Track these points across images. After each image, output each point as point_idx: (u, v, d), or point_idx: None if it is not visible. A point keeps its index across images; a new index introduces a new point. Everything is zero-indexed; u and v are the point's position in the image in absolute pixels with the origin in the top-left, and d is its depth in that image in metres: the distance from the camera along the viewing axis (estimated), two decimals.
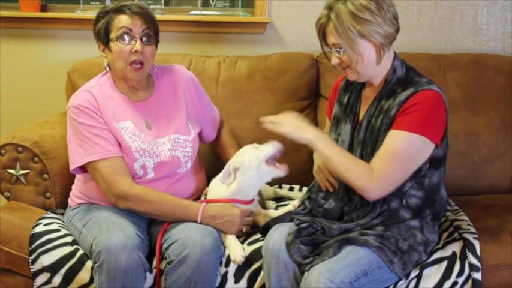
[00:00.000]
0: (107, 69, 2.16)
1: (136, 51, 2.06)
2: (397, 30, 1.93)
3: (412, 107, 1.87)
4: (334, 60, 1.95)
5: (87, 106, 2.09)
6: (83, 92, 2.14)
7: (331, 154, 1.91)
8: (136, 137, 2.12)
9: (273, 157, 2.10)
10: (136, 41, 2.07)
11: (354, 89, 2.08)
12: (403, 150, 1.87)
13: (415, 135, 1.86)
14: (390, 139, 1.89)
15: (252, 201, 2.15)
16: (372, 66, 1.93)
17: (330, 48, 1.94)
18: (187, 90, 2.25)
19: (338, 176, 1.95)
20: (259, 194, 2.29)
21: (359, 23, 1.85)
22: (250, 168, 2.09)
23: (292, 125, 1.93)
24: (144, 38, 2.09)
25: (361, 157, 1.96)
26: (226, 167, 2.12)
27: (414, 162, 1.90)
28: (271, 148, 2.10)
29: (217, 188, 2.15)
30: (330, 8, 1.90)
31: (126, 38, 2.07)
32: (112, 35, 2.08)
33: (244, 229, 2.11)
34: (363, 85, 2.06)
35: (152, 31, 2.12)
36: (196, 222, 2.06)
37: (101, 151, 2.06)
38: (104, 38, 2.10)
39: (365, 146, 1.97)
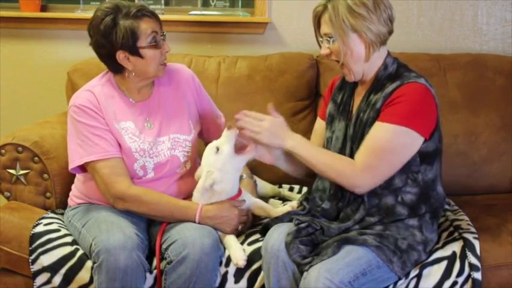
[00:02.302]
0: (133, 74, 2.10)
1: (166, 52, 2.09)
2: (390, 32, 1.96)
3: (397, 98, 1.88)
4: (324, 50, 1.97)
5: (89, 106, 2.09)
6: (84, 92, 2.14)
7: (310, 157, 1.93)
8: (136, 137, 2.12)
9: (234, 146, 2.04)
10: (163, 42, 2.09)
11: (347, 87, 2.10)
12: (387, 142, 1.87)
13: (400, 127, 1.86)
14: (374, 131, 1.90)
15: (239, 194, 2.12)
16: (361, 61, 1.95)
17: (322, 38, 1.97)
18: (188, 88, 2.25)
19: (325, 177, 1.99)
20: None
21: (353, 17, 1.88)
22: (225, 172, 2.03)
23: (266, 134, 1.91)
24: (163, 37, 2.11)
25: (351, 152, 1.97)
26: (202, 189, 2.03)
27: (401, 154, 1.90)
28: (227, 142, 2.03)
29: (201, 199, 2.09)
30: None
31: (157, 41, 2.07)
32: (142, 43, 2.04)
33: (240, 227, 2.11)
34: (356, 83, 2.08)
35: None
36: (194, 222, 2.05)
37: (100, 151, 2.06)
38: (131, 46, 2.04)
39: (354, 141, 1.98)
